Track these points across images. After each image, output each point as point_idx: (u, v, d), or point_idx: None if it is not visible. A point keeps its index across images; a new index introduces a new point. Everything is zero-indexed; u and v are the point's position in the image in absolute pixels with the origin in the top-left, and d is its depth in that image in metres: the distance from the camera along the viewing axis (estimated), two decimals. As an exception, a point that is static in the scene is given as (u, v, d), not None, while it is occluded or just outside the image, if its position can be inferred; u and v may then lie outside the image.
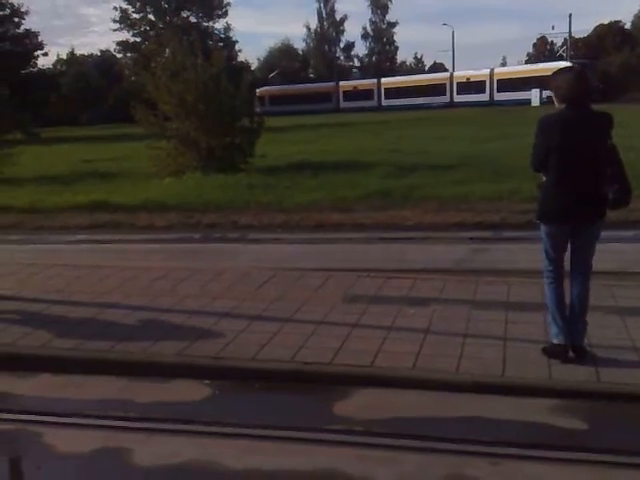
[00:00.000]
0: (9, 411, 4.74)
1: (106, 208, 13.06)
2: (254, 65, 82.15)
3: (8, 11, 54.74)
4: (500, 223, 10.12)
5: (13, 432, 4.53)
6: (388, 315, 5.98)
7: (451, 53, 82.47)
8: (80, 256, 9.34)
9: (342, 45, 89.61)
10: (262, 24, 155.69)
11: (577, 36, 72.69)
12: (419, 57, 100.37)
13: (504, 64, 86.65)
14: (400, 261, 8.37)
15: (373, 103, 67.10)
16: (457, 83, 64.68)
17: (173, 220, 11.71)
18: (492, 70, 63.16)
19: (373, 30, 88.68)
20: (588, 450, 3.94)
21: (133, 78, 57.34)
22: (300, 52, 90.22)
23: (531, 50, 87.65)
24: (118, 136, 38.47)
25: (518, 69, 65.25)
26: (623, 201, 4.81)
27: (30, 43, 55.55)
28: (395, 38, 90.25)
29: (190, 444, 4.20)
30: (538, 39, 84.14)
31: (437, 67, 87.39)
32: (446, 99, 64.11)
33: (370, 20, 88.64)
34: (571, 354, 4.88)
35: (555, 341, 4.90)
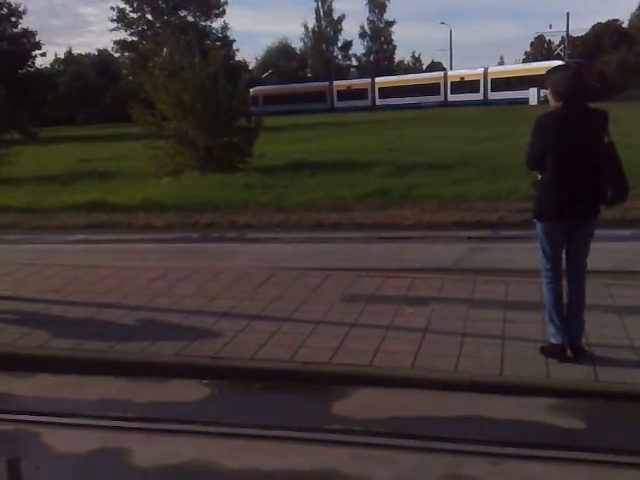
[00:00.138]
0: (7, 411, 4.73)
1: (104, 208, 13.05)
2: (252, 64, 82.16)
3: (5, 11, 54.71)
4: (498, 222, 10.13)
5: (12, 432, 4.52)
6: (387, 314, 5.98)
7: (449, 52, 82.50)
8: (78, 256, 9.34)
9: (340, 44, 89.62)
10: (259, 23, 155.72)
11: (575, 35, 72.77)
12: (417, 56, 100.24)
13: (502, 63, 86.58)
14: (399, 260, 8.38)
15: (367, 102, 67.08)
16: (451, 82, 64.71)
17: (171, 220, 11.71)
18: (486, 69, 63.16)
19: (371, 29, 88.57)
20: (586, 449, 3.94)
21: (130, 78, 57.32)
22: (298, 51, 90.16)
23: (529, 49, 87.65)
24: (116, 136, 38.41)
25: (512, 68, 65.31)
26: (620, 198, 4.82)
27: (28, 43, 55.50)
28: (393, 37, 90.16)
29: (189, 444, 4.20)
30: (536, 38, 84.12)
31: (435, 66, 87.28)
32: (440, 98, 64.11)
33: (368, 19, 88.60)
34: (569, 353, 4.89)
35: (553, 340, 4.90)
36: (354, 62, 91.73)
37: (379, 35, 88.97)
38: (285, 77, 77.35)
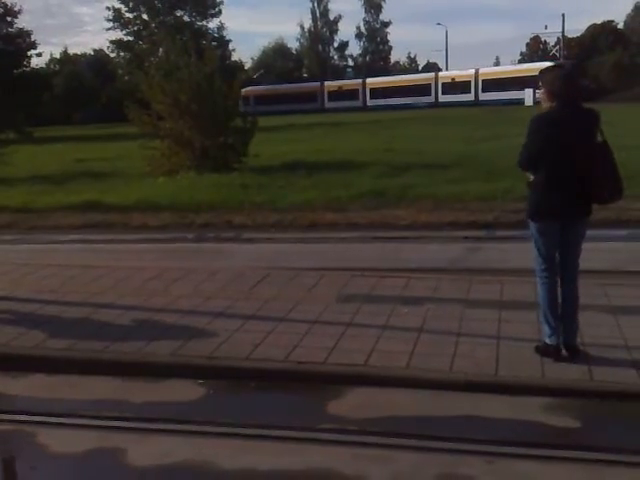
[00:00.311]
0: (3, 411, 4.73)
1: (99, 208, 13.03)
2: (248, 65, 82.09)
3: (1, 10, 54.55)
4: (493, 222, 10.15)
5: (7, 432, 4.52)
6: (382, 314, 5.99)
7: (445, 53, 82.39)
8: (73, 256, 9.33)
9: (336, 45, 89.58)
10: (255, 23, 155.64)
11: (570, 36, 72.87)
12: (413, 57, 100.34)
13: (497, 63, 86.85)
14: (394, 260, 8.39)
15: (358, 103, 67.16)
16: (442, 83, 64.93)
17: (167, 220, 11.70)
18: (477, 70, 63.42)
19: (367, 30, 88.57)
20: (581, 448, 3.96)
21: (126, 78, 57.25)
22: (294, 52, 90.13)
23: (524, 50, 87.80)
24: (111, 136, 38.35)
25: (503, 69, 65.77)
26: (614, 198, 4.84)
27: (23, 42, 55.28)
28: (389, 38, 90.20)
29: (184, 444, 4.21)
30: (531, 39, 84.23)
31: (430, 66, 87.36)
32: (431, 99, 64.31)
33: (364, 20, 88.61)
34: (564, 353, 4.90)
35: (548, 340, 4.92)
36: (350, 63, 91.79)
37: (375, 36, 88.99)
38: (281, 77, 77.31)
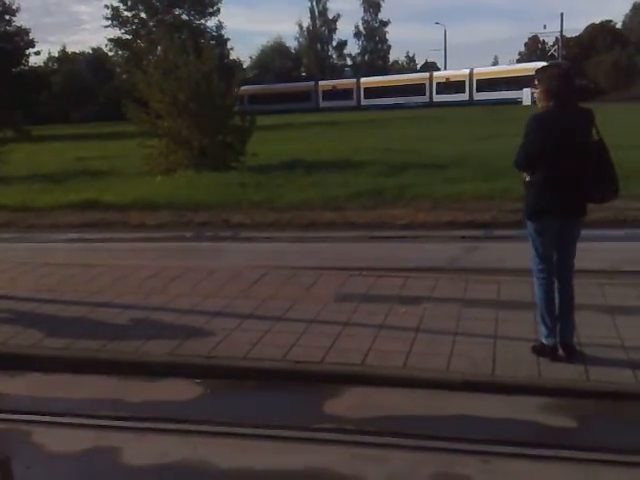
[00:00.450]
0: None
1: (97, 207, 13.04)
2: (246, 63, 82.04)
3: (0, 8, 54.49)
4: (491, 222, 10.16)
5: (3, 431, 4.51)
6: (379, 314, 6.00)
7: (443, 52, 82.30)
8: (72, 255, 9.33)
9: (334, 44, 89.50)
10: (253, 22, 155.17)
11: (569, 35, 72.92)
12: (411, 56, 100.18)
13: (496, 63, 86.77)
14: (391, 260, 8.39)
15: (352, 102, 67.27)
16: (436, 83, 65.11)
17: (165, 219, 11.70)
18: (472, 70, 63.60)
19: (365, 29, 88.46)
20: (577, 448, 3.97)
21: (125, 76, 57.14)
22: (293, 51, 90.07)
23: (523, 49, 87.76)
24: (110, 134, 38.34)
25: (497, 69, 66.11)
26: (611, 196, 4.85)
27: (21, 41, 55.24)
28: (387, 37, 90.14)
29: (181, 443, 4.21)
30: (530, 38, 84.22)
31: (429, 66, 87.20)
32: (425, 99, 64.47)
33: (362, 19, 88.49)
34: (561, 352, 4.91)
35: (544, 340, 4.92)
36: (349, 62, 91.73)
37: (374, 35, 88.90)
38: (280, 76, 77.32)
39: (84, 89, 68.64)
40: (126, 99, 18.26)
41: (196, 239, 10.61)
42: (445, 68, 73.78)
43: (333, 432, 4.25)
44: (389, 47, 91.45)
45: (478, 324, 5.64)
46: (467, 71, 63.69)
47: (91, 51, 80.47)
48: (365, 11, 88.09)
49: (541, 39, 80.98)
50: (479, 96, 60.86)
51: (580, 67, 61.06)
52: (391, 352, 5.15)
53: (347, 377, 4.91)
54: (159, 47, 24.57)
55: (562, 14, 66.09)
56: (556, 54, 66.12)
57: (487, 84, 60.90)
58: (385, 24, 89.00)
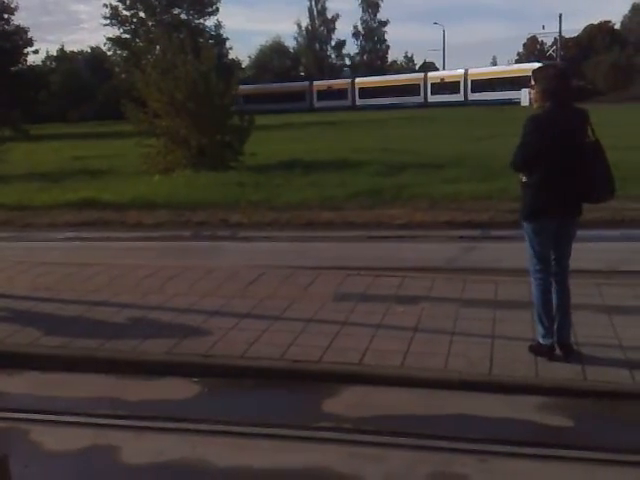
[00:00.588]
0: (-3, 409, 4.74)
1: (95, 206, 13.02)
2: (245, 63, 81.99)
3: (-2, 8, 54.45)
4: (489, 222, 10.17)
5: (1, 430, 4.51)
6: (377, 313, 6.00)
7: (442, 52, 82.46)
8: (69, 254, 9.32)
9: (333, 43, 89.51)
10: (252, 21, 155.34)
11: (567, 36, 72.96)
12: (410, 56, 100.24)
13: (494, 63, 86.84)
14: (389, 259, 8.39)
15: (347, 102, 67.36)
16: (431, 84, 65.24)
17: (163, 218, 11.69)
18: (466, 71, 63.75)
19: (364, 29, 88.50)
20: (574, 447, 3.97)
21: (123, 75, 57.09)
22: (291, 50, 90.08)
23: (521, 50, 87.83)
24: (108, 133, 38.35)
25: (492, 70, 66.28)
26: (607, 197, 4.86)
27: (20, 40, 55.18)
28: (386, 37, 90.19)
29: (179, 442, 4.21)
30: (528, 39, 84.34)
31: (427, 66, 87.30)
32: (420, 99, 64.61)
33: (361, 19, 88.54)
34: (558, 352, 4.91)
35: (542, 340, 4.93)
36: (347, 62, 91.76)
37: (372, 35, 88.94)
38: (279, 76, 77.36)
39: (82, 88, 68.56)
40: (125, 98, 18.25)
41: (194, 238, 10.61)
42: (444, 68, 73.95)
43: (331, 431, 4.26)
44: (388, 47, 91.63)
45: (475, 324, 5.65)
46: (462, 72, 63.88)
47: (90, 50, 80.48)
48: (364, 11, 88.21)
49: (540, 39, 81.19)
50: (474, 97, 61.05)
51: (579, 68, 61.22)
52: (389, 351, 5.16)
53: (345, 376, 4.91)
54: (158, 46, 24.56)
55: (561, 14, 66.36)
56: (555, 54, 66.22)
57: (482, 85, 61.09)
58: (384, 24, 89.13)
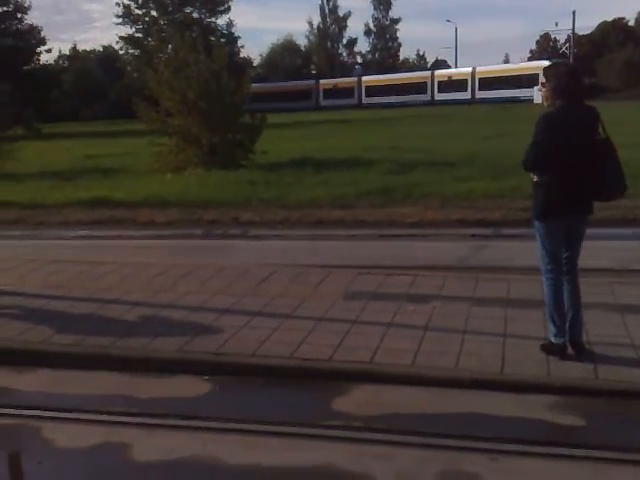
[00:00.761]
0: (10, 406, 4.76)
1: (107, 204, 13.09)
2: (257, 61, 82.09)
3: (11, 7, 54.75)
4: (501, 220, 10.13)
5: (13, 427, 4.54)
6: (388, 312, 5.99)
7: (454, 50, 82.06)
8: (81, 252, 9.38)
9: (345, 41, 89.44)
10: (264, 20, 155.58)
11: (580, 33, 72.63)
12: (422, 54, 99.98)
13: (507, 61, 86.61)
14: (400, 258, 8.38)
15: (354, 101, 67.30)
16: (438, 82, 65.07)
17: (174, 216, 11.73)
18: (474, 69, 63.54)
19: (376, 26, 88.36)
20: (586, 446, 3.95)
21: (135, 74, 57.26)
22: (303, 48, 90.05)
23: (534, 47, 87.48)
24: (120, 132, 38.49)
25: (499, 68, 66.06)
26: (618, 195, 4.84)
27: (33, 39, 55.54)
28: (398, 35, 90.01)
29: (190, 440, 4.23)
30: (541, 36, 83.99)
31: (439, 64, 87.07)
32: (427, 97, 64.50)
33: (373, 16, 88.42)
34: (570, 351, 4.89)
35: (553, 339, 4.91)
36: (359, 60, 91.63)
37: (384, 33, 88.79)
38: (291, 74, 77.39)
39: (95, 87, 68.90)
40: (137, 97, 18.31)
41: (205, 237, 10.63)
42: (456, 66, 73.71)
43: (341, 429, 4.26)
44: (399, 45, 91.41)
45: (487, 322, 5.63)
46: (469, 70, 63.72)
47: (102, 49, 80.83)
48: (376, 9, 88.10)
49: (553, 37, 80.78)
50: (481, 94, 60.88)
51: (592, 65, 60.88)
52: (400, 350, 5.15)
53: (355, 375, 4.91)
54: (170, 45, 24.62)
55: (574, 12, 66.31)
56: (568, 52, 65.88)
57: (489, 82, 60.87)
58: (396, 22, 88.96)
